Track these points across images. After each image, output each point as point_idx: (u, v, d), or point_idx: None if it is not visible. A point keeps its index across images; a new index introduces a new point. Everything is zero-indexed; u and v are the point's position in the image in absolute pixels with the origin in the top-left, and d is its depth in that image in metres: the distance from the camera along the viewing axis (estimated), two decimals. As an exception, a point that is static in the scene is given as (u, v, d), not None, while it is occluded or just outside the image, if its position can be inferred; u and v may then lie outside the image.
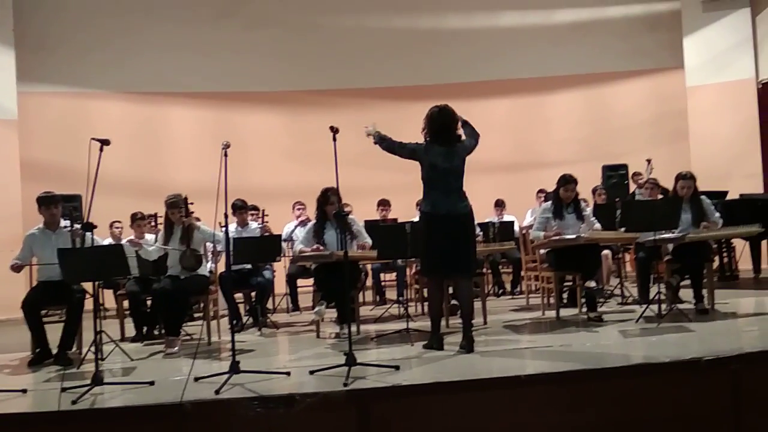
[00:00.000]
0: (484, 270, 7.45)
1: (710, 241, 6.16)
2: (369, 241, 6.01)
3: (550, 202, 6.23)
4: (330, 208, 6.00)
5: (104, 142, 4.31)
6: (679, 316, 5.42)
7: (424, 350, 4.80)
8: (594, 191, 8.63)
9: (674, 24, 10.88)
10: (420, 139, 4.87)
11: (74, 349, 5.34)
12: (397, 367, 4.13)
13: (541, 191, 8.89)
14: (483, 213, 7.66)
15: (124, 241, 6.31)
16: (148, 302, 6.23)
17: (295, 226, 8.08)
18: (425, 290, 6.34)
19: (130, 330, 6.30)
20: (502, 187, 9.74)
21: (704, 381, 3.84)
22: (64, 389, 3.91)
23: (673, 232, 5.70)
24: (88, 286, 5.22)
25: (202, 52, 10.46)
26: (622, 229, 6.02)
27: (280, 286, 7.98)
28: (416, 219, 6.25)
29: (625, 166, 9.57)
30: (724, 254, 8.31)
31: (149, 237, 6.53)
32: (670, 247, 5.98)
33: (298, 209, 8.28)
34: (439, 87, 10.08)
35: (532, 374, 3.87)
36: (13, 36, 9.60)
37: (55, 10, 10.13)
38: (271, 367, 4.42)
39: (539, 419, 3.70)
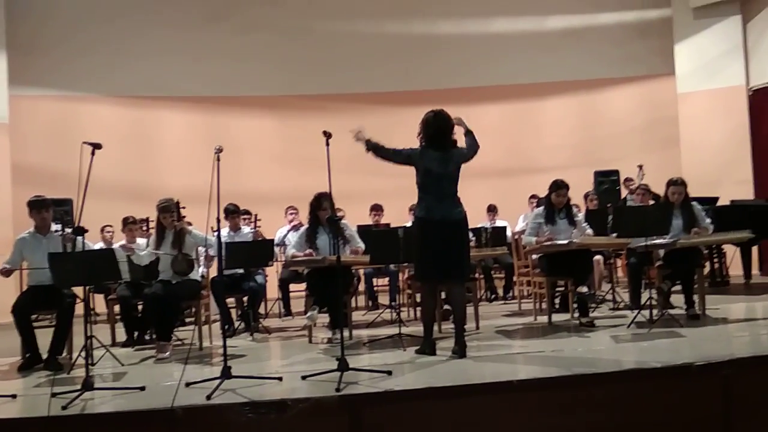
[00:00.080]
0: (477, 275, 7.45)
1: (701, 247, 6.19)
2: (362, 245, 6.00)
3: (542, 208, 6.23)
4: (323, 213, 5.98)
5: (96, 146, 4.29)
6: (671, 322, 5.45)
7: (416, 355, 4.80)
8: (586, 197, 8.67)
9: (665, 31, 10.95)
10: (413, 143, 4.86)
11: (64, 354, 5.31)
12: (389, 373, 4.13)
13: (533, 197, 8.90)
14: (475, 218, 7.67)
15: (115, 246, 6.28)
16: (140, 307, 6.22)
17: (288, 231, 8.08)
18: (418, 295, 6.34)
19: (121, 335, 6.27)
20: (495, 193, 9.75)
21: (695, 386, 3.86)
22: (54, 394, 3.89)
23: (665, 238, 5.73)
24: (78, 290, 5.18)
25: (194, 57, 10.44)
26: (614, 235, 6.06)
27: (273, 290, 7.98)
28: (409, 224, 6.25)
29: (616, 172, 9.59)
30: (715, 260, 8.36)
31: (141, 241, 6.49)
32: (662, 252, 6.01)
33: (291, 214, 8.28)
34: (431, 92, 10.07)
35: (524, 379, 3.88)
36: (5, 39, 9.56)
37: (47, 13, 10.08)
38: (263, 372, 4.41)
39: (531, 424, 3.71)
